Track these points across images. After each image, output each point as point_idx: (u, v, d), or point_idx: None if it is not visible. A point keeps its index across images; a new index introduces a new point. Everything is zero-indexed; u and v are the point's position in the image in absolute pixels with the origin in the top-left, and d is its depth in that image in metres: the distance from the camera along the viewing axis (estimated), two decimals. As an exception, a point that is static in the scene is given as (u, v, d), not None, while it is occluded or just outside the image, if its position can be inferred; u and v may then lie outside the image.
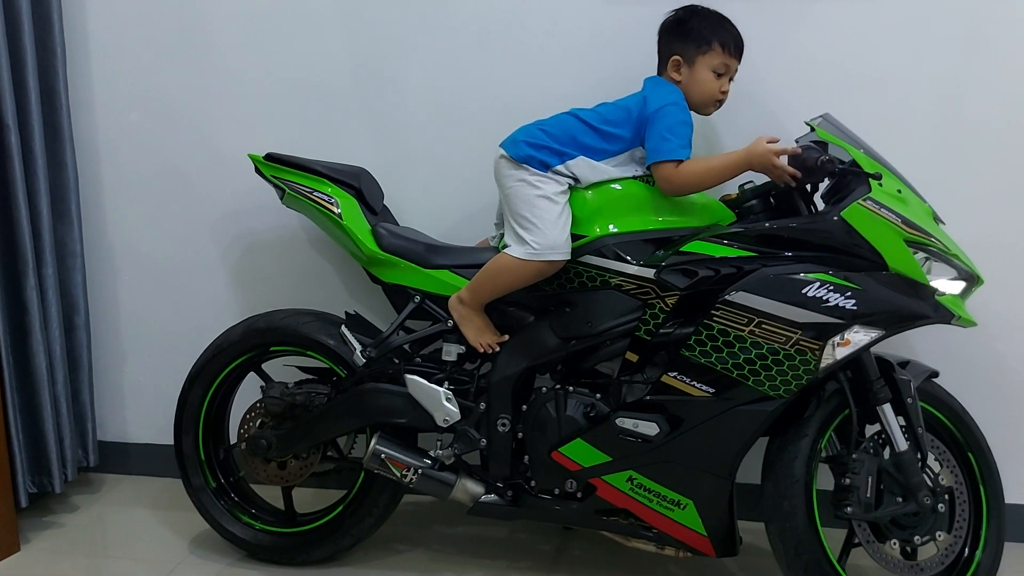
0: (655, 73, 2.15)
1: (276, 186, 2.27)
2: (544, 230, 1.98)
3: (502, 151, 2.09)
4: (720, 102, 2.12)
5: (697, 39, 2.05)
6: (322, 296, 2.61)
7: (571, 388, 2.08)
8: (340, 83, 2.56)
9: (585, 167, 2.02)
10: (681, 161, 1.97)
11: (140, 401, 2.83)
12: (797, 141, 2.02)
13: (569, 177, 2.03)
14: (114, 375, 2.83)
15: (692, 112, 2.07)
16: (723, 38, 2.06)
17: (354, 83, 2.55)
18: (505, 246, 2.05)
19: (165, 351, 2.76)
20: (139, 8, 2.60)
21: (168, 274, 2.75)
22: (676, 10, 2.14)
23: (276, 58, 2.57)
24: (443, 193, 2.54)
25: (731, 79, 2.11)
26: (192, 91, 2.63)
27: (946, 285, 1.96)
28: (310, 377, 2.34)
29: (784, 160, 1.95)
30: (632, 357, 2.01)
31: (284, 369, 2.37)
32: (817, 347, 1.86)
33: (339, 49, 2.55)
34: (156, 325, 2.78)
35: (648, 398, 1.98)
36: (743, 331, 1.88)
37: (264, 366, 2.39)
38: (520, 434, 2.11)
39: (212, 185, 2.66)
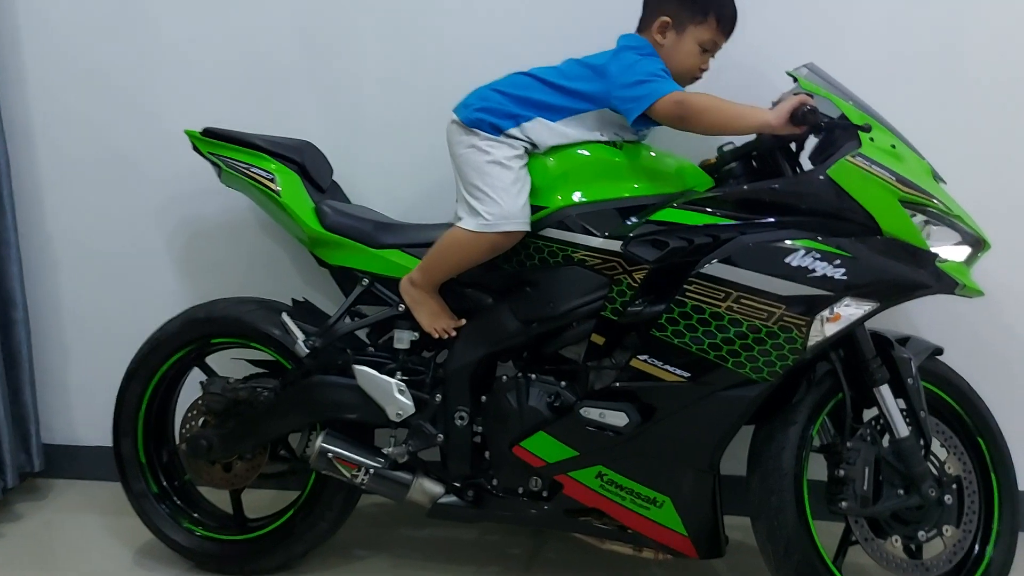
0: (632, 31, 1.94)
1: (213, 163, 2.10)
2: (496, 199, 1.79)
3: (453, 116, 1.90)
4: (696, 79, 1.92)
5: (693, 6, 1.85)
6: (276, 284, 2.43)
7: (534, 376, 1.89)
8: (287, 53, 2.38)
9: (542, 129, 1.83)
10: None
11: (88, 401, 2.65)
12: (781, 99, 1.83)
13: (524, 141, 1.83)
14: (58, 373, 2.65)
15: None
16: (721, 13, 1.86)
17: (302, 52, 2.38)
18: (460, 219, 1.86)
19: (112, 346, 2.54)
20: (72, -17, 2.42)
21: (112, 264, 2.57)
22: None
23: (218, 28, 2.39)
24: (399, 168, 2.36)
25: (712, 56, 1.91)
26: (131, 67, 2.45)
27: (948, 250, 1.76)
28: (260, 371, 2.16)
29: None
30: (598, 340, 1.82)
31: (234, 363, 2.19)
32: (803, 323, 1.67)
33: (285, 16, 2.37)
34: (101, 319, 2.60)
35: (617, 385, 1.78)
36: (720, 307, 1.68)
37: (209, 360, 2.21)
38: (480, 428, 1.92)
39: (155, 167, 2.48)
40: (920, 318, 2.16)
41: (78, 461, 2.67)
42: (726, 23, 1.87)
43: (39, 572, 2.22)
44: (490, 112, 1.84)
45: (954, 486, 1.83)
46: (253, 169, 2.04)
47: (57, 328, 2.62)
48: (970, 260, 1.79)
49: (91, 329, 2.62)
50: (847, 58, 2.09)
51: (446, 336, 1.92)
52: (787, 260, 1.66)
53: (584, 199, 1.83)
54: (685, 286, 1.70)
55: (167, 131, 2.40)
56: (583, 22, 2.10)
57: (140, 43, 2.43)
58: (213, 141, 2.08)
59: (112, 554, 2.26)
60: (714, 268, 1.68)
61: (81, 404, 2.67)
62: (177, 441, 2.18)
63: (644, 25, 1.91)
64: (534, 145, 1.85)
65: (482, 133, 1.83)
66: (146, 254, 2.54)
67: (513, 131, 1.83)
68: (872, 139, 1.69)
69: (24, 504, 2.55)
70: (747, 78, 2.00)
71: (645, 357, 1.74)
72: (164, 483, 2.21)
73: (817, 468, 1.83)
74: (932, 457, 1.82)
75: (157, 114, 2.45)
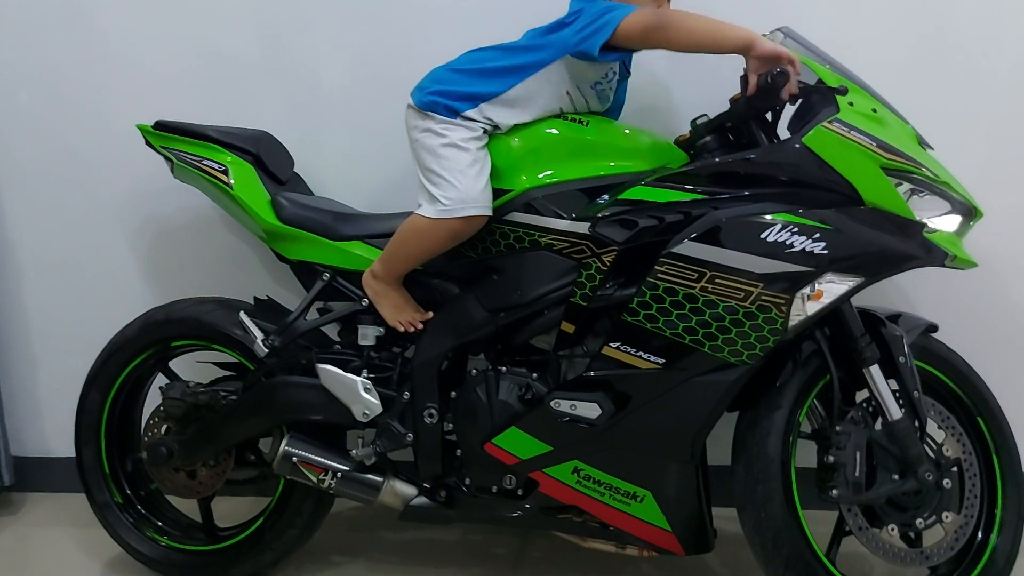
0: None
1: (166, 157, 2.01)
2: (454, 183, 1.69)
3: (409, 100, 1.80)
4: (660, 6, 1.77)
5: None
6: (244, 283, 2.35)
7: (504, 368, 1.79)
8: (243, 42, 2.29)
9: (501, 109, 1.73)
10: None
11: (59, 411, 2.56)
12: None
13: (483, 123, 1.73)
14: (27, 384, 2.57)
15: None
16: None
17: (258, 44, 2.29)
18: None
19: (80, 354, 2.44)
20: (15, -23, 2.33)
21: (76, 268, 2.48)
22: None
23: (170, 20, 2.31)
24: (363, 158, 2.28)
25: None
26: (81, 64, 2.36)
27: (938, 220, 1.64)
28: (227, 374, 2.07)
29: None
30: (568, 328, 1.72)
31: (200, 369, 2.10)
32: (783, 302, 1.57)
33: (239, 8, 2.28)
34: (67, 325, 2.52)
35: (590, 374, 1.68)
36: (693, 288, 1.58)
37: (173, 365, 2.12)
38: (451, 425, 1.82)
39: (113, 166, 2.39)
40: (913, 292, 2.05)
41: (50, 473, 2.59)
42: None
43: (12, 589, 2.15)
44: (445, 95, 1.74)
45: (953, 469, 1.73)
46: (205, 162, 1.95)
47: (23, 337, 2.55)
48: (961, 230, 1.68)
49: (58, 336, 2.54)
50: (825, 22, 1.99)
51: (412, 330, 1.83)
52: (763, 235, 1.56)
53: (551, 180, 1.73)
54: (656, 267, 1.60)
55: (121, 129, 2.31)
56: (548, 5, 1.99)
57: (88, 39, 2.35)
58: (165, 134, 2.00)
59: (87, 568, 2.18)
60: (686, 247, 1.58)
61: (51, 414, 2.59)
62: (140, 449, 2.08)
63: None
64: (495, 126, 1.75)
65: (438, 116, 1.73)
66: (110, 256, 2.46)
67: (471, 112, 1.72)
68: (851, 103, 1.59)
69: (-6, 520, 2.48)
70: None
71: (617, 344, 1.64)
72: (129, 493, 2.13)
73: (808, 455, 1.73)
74: (928, 439, 1.71)
75: (110, 112, 2.36)
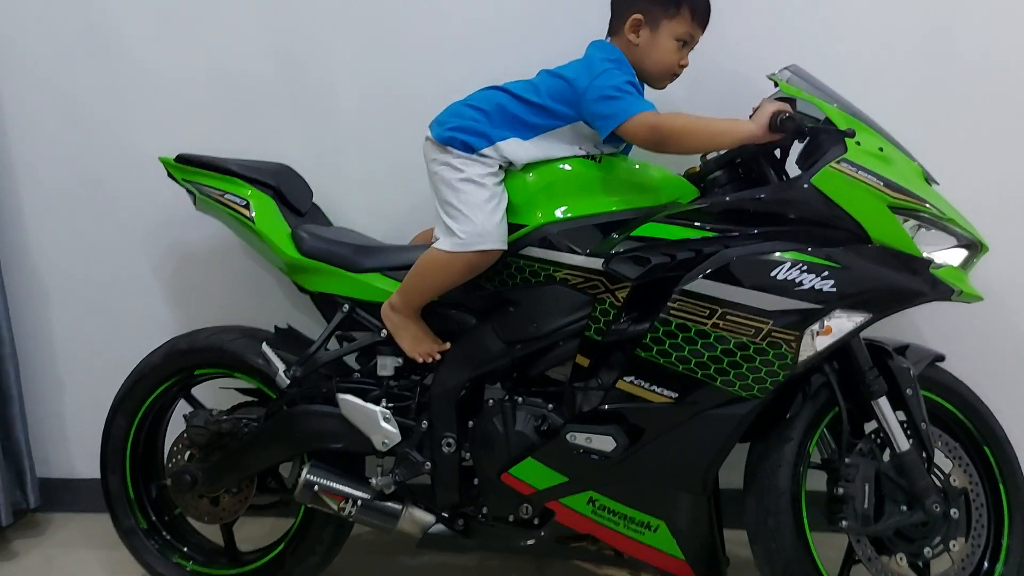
0: (603, 37, 1.88)
1: (188, 191, 2.05)
2: (471, 216, 1.73)
3: (428, 133, 1.85)
4: (676, 75, 1.85)
5: (665, 0, 1.78)
6: (263, 310, 2.40)
7: (520, 399, 1.83)
8: (261, 74, 2.33)
9: (517, 148, 1.78)
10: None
11: (83, 434, 2.61)
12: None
13: (498, 159, 1.77)
14: (53, 407, 2.62)
15: (644, 85, 1.82)
16: (694, 4, 1.78)
17: (276, 73, 2.33)
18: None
19: (104, 376, 2.50)
20: (41, 8, 2.38)
21: (101, 293, 2.53)
22: None
23: (192, 51, 2.35)
24: (380, 187, 2.31)
25: (691, 50, 1.84)
26: (106, 94, 2.40)
27: (943, 255, 1.68)
28: (249, 400, 2.12)
29: None
30: (583, 361, 1.75)
31: (221, 394, 2.15)
32: (793, 338, 1.60)
33: (258, 37, 2.32)
34: (93, 349, 2.57)
35: (604, 407, 1.72)
36: (705, 324, 1.62)
37: (195, 391, 2.18)
38: (468, 454, 1.86)
39: (137, 194, 2.44)
40: (920, 321, 2.09)
41: (76, 494, 2.64)
42: (700, 14, 1.80)
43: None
44: (463, 130, 1.78)
45: (961, 499, 1.76)
46: (227, 196, 1.99)
47: (49, 360, 2.59)
48: (967, 264, 1.71)
49: (82, 361, 2.58)
50: (832, 57, 2.04)
51: (430, 361, 1.87)
52: (773, 273, 1.59)
53: (565, 216, 1.77)
54: (669, 303, 1.64)
55: (144, 156, 2.34)
56: (559, 33, 2.04)
57: (113, 67, 2.39)
58: (187, 167, 2.04)
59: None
60: (698, 284, 1.62)
61: (76, 437, 2.63)
62: (164, 475, 2.13)
63: (615, 28, 1.84)
64: (510, 163, 1.79)
65: (455, 151, 1.78)
66: (133, 282, 2.50)
67: (487, 150, 1.77)
68: (858, 143, 1.62)
69: (22, 541, 2.52)
70: (729, 83, 1.93)
71: (631, 378, 1.68)
72: (154, 518, 2.18)
73: (818, 479, 1.77)
74: (936, 470, 1.75)
75: (133, 140, 2.41)
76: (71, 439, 2.64)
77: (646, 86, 1.83)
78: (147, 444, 2.18)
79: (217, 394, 2.17)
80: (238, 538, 2.17)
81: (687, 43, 1.81)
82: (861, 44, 2.09)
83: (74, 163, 2.45)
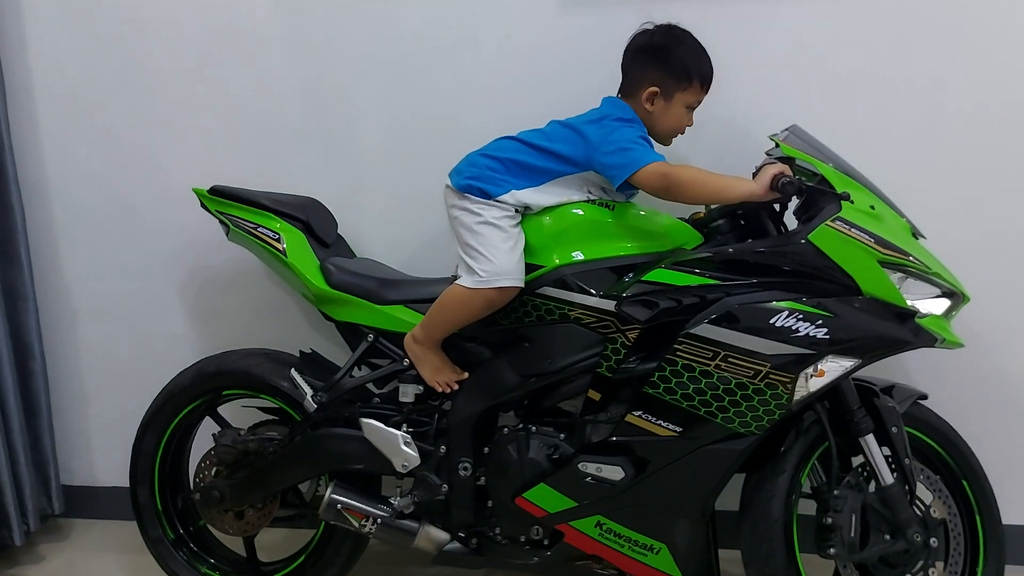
0: (615, 88, 2.01)
1: (221, 222, 2.17)
2: (490, 256, 1.86)
3: (447, 181, 1.98)
4: (682, 134, 2.01)
5: (678, 72, 1.91)
6: (283, 332, 2.52)
7: (534, 428, 1.96)
8: (289, 109, 2.45)
9: (532, 194, 1.90)
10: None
11: (106, 444, 2.75)
12: (768, 153, 1.91)
13: (514, 204, 1.90)
14: (78, 418, 2.74)
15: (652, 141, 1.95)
16: (703, 73, 1.93)
17: (303, 108, 2.45)
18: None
19: (129, 391, 2.64)
20: (80, 41, 2.50)
21: (127, 312, 2.65)
22: (652, 31, 1.97)
23: (222, 86, 2.47)
24: (401, 220, 2.43)
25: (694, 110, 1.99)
26: (139, 123, 2.53)
27: (928, 305, 1.82)
28: (270, 418, 2.24)
29: None
30: (594, 396, 1.89)
31: (243, 411, 2.27)
32: (789, 380, 1.73)
33: (286, 74, 2.44)
34: (118, 365, 2.69)
35: (613, 439, 1.85)
36: (708, 365, 1.75)
37: (220, 409, 2.29)
38: (483, 479, 1.99)
39: (165, 219, 2.56)
40: (907, 361, 2.22)
41: (97, 501, 2.77)
42: (708, 82, 1.95)
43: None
44: (480, 179, 1.91)
45: (940, 528, 1.89)
46: (260, 229, 2.10)
47: (76, 375, 2.71)
48: (949, 313, 1.84)
49: (107, 375, 2.70)
50: (831, 113, 2.16)
51: (448, 391, 1.99)
52: (771, 321, 1.72)
53: (580, 259, 1.89)
54: (675, 346, 1.77)
55: (174, 185, 2.48)
56: (578, 77, 2.15)
57: (149, 100, 2.51)
58: (220, 199, 2.15)
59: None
60: (702, 329, 1.75)
61: (99, 447, 2.75)
62: (191, 489, 2.25)
63: (628, 91, 1.97)
64: (526, 207, 1.92)
65: (473, 198, 1.90)
66: (159, 303, 2.62)
67: (503, 197, 1.89)
68: (851, 202, 1.75)
69: (46, 545, 2.65)
70: (729, 139, 2.07)
71: (639, 413, 1.81)
72: (180, 529, 2.29)
73: (808, 504, 1.90)
74: (918, 501, 1.88)
75: (165, 169, 2.53)
76: (94, 450, 2.76)
77: (653, 141, 1.97)
78: (174, 458, 2.30)
79: (238, 412, 2.28)
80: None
81: (694, 107, 1.96)
82: (855, 104, 2.21)
83: (107, 188, 2.57)
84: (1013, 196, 2.20)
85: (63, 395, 2.71)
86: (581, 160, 1.89)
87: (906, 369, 2.21)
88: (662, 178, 1.81)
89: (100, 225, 2.60)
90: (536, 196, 1.91)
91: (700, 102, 1.97)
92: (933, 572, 1.88)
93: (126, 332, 2.66)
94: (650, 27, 1.97)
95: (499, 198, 1.90)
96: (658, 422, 1.81)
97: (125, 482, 2.60)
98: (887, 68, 2.19)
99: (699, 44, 1.95)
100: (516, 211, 1.92)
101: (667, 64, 1.91)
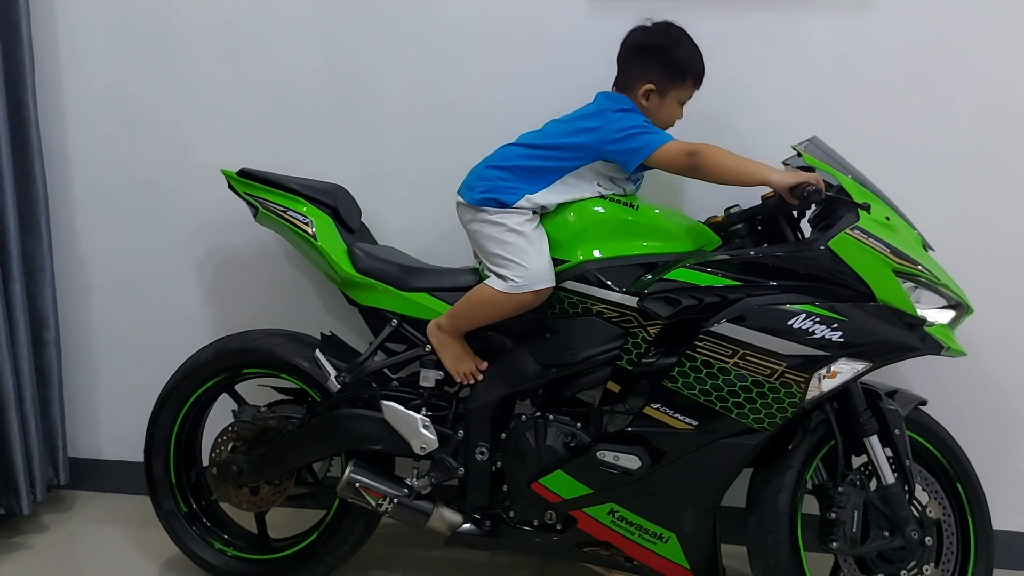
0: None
1: (249, 203, 2.21)
2: (523, 263, 1.93)
3: (459, 198, 2.04)
4: (671, 126, 2.07)
5: (674, 71, 1.99)
6: (299, 313, 2.56)
7: (551, 416, 2.02)
8: (316, 94, 2.49)
9: (546, 195, 1.97)
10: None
11: (113, 418, 2.77)
12: (786, 163, 1.98)
13: (531, 207, 1.97)
14: (86, 391, 2.77)
15: None
16: (696, 72, 2.02)
17: (331, 95, 2.49)
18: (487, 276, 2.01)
19: (138, 367, 2.70)
20: (110, 17, 2.53)
21: (141, 288, 2.68)
22: (650, 30, 2.03)
23: (251, 69, 2.51)
24: (422, 209, 2.46)
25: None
26: (165, 101, 2.56)
27: (935, 314, 1.91)
28: (285, 398, 2.28)
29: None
30: (614, 387, 1.95)
31: (258, 389, 2.30)
32: (803, 379, 1.81)
33: (315, 60, 2.48)
34: (129, 340, 2.72)
35: (630, 429, 1.92)
36: (727, 363, 1.83)
37: (237, 387, 2.33)
38: (499, 463, 2.05)
39: (186, 197, 2.60)
40: (908, 370, 2.31)
41: (101, 474, 2.79)
42: (700, 79, 2.04)
43: (65, 582, 2.33)
44: (493, 191, 1.97)
45: (934, 528, 1.98)
46: (289, 212, 2.15)
47: (87, 348, 2.74)
48: (954, 323, 1.94)
49: (119, 350, 2.73)
50: (849, 125, 2.25)
51: (469, 381, 2.05)
52: (789, 322, 1.80)
53: (603, 255, 1.96)
54: (696, 342, 1.84)
55: (197, 164, 2.52)
56: (605, 77, 2.20)
57: (175, 80, 2.54)
58: (249, 182, 2.19)
59: (135, 565, 2.39)
60: (723, 327, 1.82)
61: (107, 420, 2.78)
62: (205, 463, 2.29)
63: (624, 86, 2.03)
64: (543, 207, 1.98)
65: (490, 209, 1.97)
66: (174, 280, 2.65)
67: (519, 203, 1.95)
68: (869, 212, 1.84)
69: (50, 515, 2.67)
70: (750, 150, 2.14)
71: (657, 405, 1.88)
72: (193, 504, 2.33)
73: (810, 503, 1.98)
74: (915, 501, 1.97)
75: (189, 147, 2.56)
76: (101, 422, 2.79)
77: None
78: (189, 434, 2.34)
79: (254, 390, 2.32)
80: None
81: (685, 102, 2.04)
82: (872, 116, 2.29)
83: (130, 163, 2.60)
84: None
85: (73, 367, 2.73)
86: (588, 148, 1.95)
87: (904, 377, 2.30)
88: (689, 156, 1.87)
89: (121, 200, 2.63)
90: (549, 196, 1.97)
91: (691, 97, 2.05)
92: (927, 570, 1.97)
93: (140, 308, 2.69)
94: (647, 24, 2.05)
95: (515, 205, 1.96)
96: (675, 415, 1.88)
97: (130, 456, 2.67)
98: (905, 83, 2.27)
99: (694, 43, 2.03)
100: (534, 212, 1.98)
101: (665, 64, 1.99)
